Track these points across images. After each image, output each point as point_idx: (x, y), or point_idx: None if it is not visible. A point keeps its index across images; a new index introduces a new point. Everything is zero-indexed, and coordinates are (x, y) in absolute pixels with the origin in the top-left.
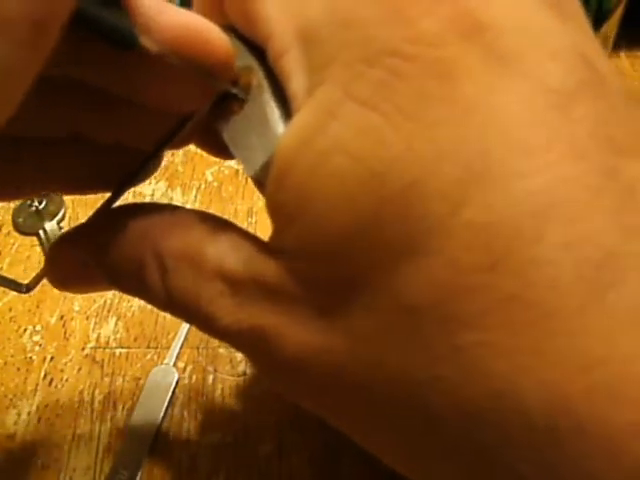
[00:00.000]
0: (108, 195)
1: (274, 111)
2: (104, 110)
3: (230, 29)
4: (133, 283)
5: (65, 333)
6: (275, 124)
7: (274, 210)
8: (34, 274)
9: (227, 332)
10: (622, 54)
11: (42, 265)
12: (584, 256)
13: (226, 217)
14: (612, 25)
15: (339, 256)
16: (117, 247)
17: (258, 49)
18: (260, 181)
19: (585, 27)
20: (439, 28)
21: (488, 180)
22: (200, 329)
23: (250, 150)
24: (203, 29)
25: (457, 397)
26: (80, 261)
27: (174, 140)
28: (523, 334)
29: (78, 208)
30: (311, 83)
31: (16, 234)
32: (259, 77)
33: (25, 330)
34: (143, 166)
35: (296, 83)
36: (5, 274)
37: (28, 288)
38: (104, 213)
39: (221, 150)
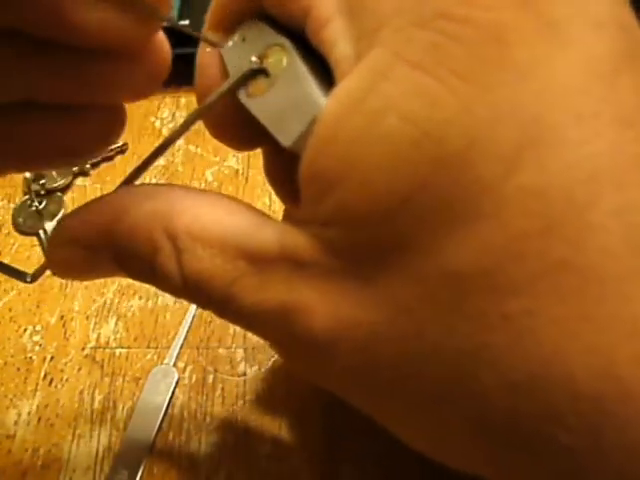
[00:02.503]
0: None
1: (311, 82)
2: (50, 62)
3: (260, 16)
4: (144, 267)
5: (65, 333)
6: (313, 93)
7: (312, 177)
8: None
9: (248, 312)
10: None
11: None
12: (632, 223)
13: None
14: None
15: (385, 221)
16: (127, 227)
17: (288, 31)
18: (296, 152)
19: None
20: None
21: (542, 145)
22: (217, 313)
23: (285, 122)
24: None
25: (503, 366)
26: (85, 243)
27: (195, 117)
28: (573, 300)
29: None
30: (359, 49)
31: (16, 234)
32: (290, 53)
33: (25, 330)
34: (165, 145)
35: (342, 50)
36: (10, 264)
37: (33, 278)
38: (113, 193)
39: (238, 138)
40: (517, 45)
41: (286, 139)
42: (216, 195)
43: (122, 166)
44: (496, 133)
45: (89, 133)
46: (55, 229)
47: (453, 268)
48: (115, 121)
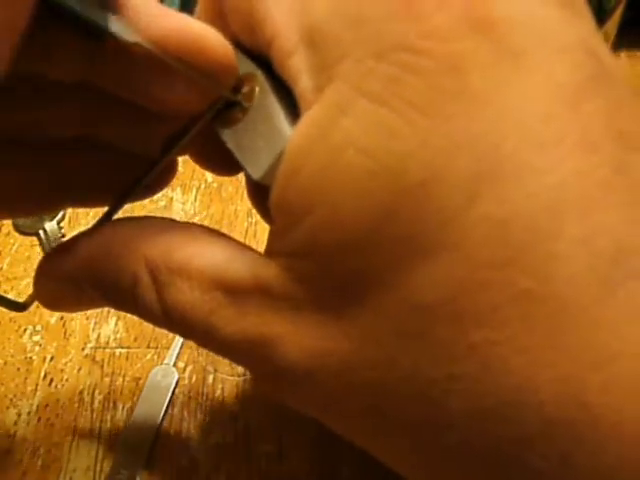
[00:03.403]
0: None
1: (280, 113)
2: (109, 111)
3: (231, 41)
4: (127, 300)
5: (65, 333)
6: (282, 125)
7: (280, 209)
8: (34, 274)
9: (227, 343)
10: (622, 54)
11: None
12: (598, 251)
13: (226, 217)
14: (612, 25)
15: (350, 253)
16: (108, 261)
17: (259, 58)
18: (266, 185)
19: (590, 22)
20: (451, 23)
21: (503, 174)
22: (198, 343)
23: (256, 153)
24: (201, 33)
25: (473, 394)
26: (70, 277)
27: (174, 150)
28: (538, 330)
29: (78, 208)
30: (320, 82)
31: (16, 234)
32: (262, 83)
33: (25, 330)
34: (144, 176)
35: (304, 83)
36: (1, 293)
37: (25, 306)
38: (94, 228)
39: (219, 165)
40: (475, 74)
41: (255, 172)
42: (195, 227)
43: None
44: (454, 164)
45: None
46: (40, 265)
47: (418, 299)
48: (169, 171)
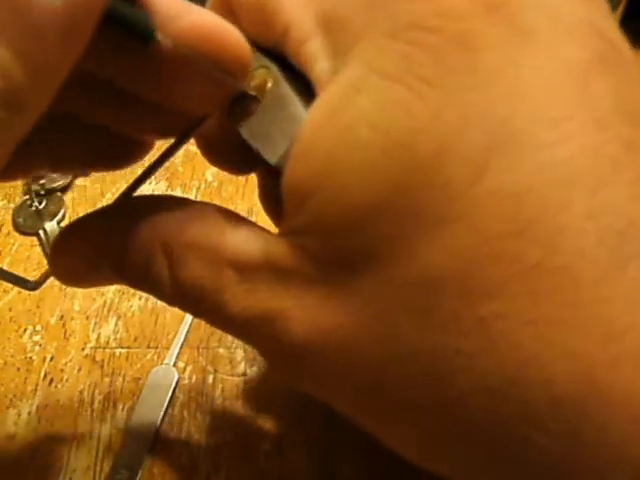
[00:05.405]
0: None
1: (294, 100)
2: (113, 104)
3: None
4: (139, 275)
5: (65, 333)
6: (297, 110)
7: (292, 188)
8: (34, 274)
9: (236, 320)
10: None
11: (43, 265)
12: (607, 225)
13: None
14: None
15: (359, 228)
16: (124, 237)
17: (271, 52)
18: (281, 169)
19: (602, 4)
20: (462, 2)
21: (513, 147)
22: (207, 321)
23: (272, 140)
24: (222, 30)
25: (480, 370)
26: (85, 253)
27: (188, 138)
28: (547, 303)
29: (78, 208)
30: (336, 64)
31: (16, 234)
32: (275, 74)
33: (25, 330)
34: (159, 163)
35: (320, 66)
36: (12, 271)
37: (35, 285)
38: (110, 206)
39: (232, 162)
40: (485, 51)
41: (272, 157)
42: (207, 206)
43: None
44: (464, 137)
45: (118, 153)
46: (57, 239)
47: (426, 273)
48: (144, 147)
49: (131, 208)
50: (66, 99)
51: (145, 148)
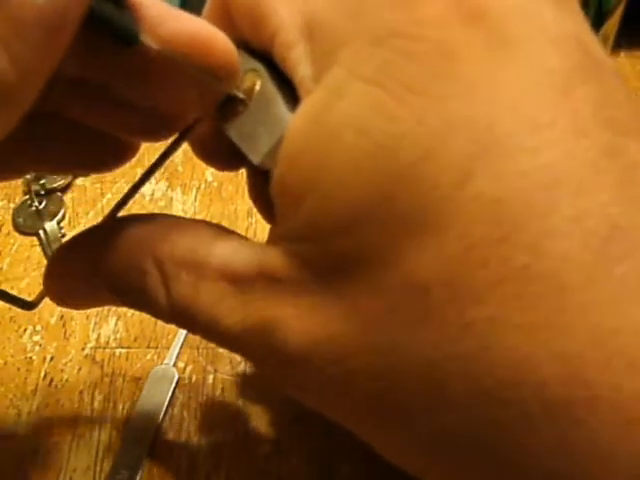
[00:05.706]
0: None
1: (280, 102)
2: (101, 105)
3: (237, 40)
4: (134, 294)
5: (65, 333)
6: (281, 112)
7: (282, 192)
8: (34, 274)
9: (233, 332)
10: (622, 54)
11: (43, 265)
12: (591, 228)
13: (226, 217)
14: (612, 25)
15: (348, 233)
16: (117, 256)
17: (264, 56)
18: (266, 169)
19: (579, 14)
20: (443, 12)
21: (496, 153)
22: (203, 336)
23: (257, 140)
24: (209, 36)
25: (472, 375)
26: (80, 274)
27: (181, 144)
28: (534, 307)
29: (78, 208)
30: (319, 70)
31: (16, 234)
32: (264, 77)
33: (25, 330)
34: (149, 174)
35: (304, 71)
36: (10, 291)
37: (33, 304)
38: (103, 223)
39: (222, 160)
40: (467, 59)
41: (255, 157)
42: (200, 222)
43: None
44: (448, 143)
45: (106, 155)
46: (50, 261)
47: (414, 279)
48: (131, 149)
49: (123, 227)
50: (54, 99)
51: (133, 150)
